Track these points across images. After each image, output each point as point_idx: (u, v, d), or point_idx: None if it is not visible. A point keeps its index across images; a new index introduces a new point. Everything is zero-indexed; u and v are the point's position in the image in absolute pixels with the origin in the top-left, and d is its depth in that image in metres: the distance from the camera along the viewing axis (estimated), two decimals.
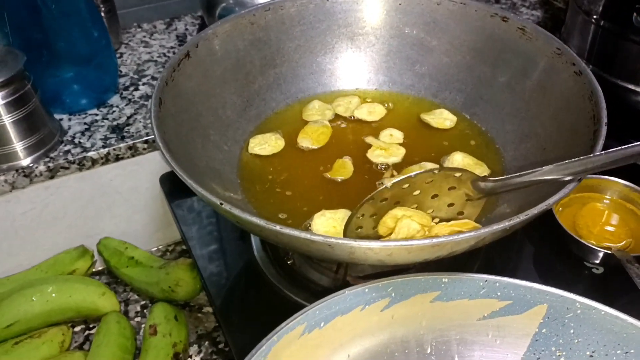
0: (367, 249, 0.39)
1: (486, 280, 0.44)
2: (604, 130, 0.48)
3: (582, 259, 0.61)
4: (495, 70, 0.63)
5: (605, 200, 0.64)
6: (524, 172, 0.47)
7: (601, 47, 0.72)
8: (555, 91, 0.57)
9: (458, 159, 0.58)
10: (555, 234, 0.62)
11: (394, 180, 0.47)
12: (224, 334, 0.60)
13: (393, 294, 0.44)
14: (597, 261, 0.60)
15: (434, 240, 0.39)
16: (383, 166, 0.60)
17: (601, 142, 0.47)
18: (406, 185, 0.47)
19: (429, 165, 0.58)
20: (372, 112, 0.66)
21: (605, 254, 0.58)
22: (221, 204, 0.41)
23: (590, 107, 0.51)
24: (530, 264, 0.64)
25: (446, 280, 0.44)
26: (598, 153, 0.44)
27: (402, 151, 0.61)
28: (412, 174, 0.47)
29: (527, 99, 0.60)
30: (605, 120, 0.49)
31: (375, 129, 0.65)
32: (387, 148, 0.61)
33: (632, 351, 0.42)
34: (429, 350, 0.45)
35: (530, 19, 0.95)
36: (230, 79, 0.63)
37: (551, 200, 0.42)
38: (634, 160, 0.41)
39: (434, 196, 0.49)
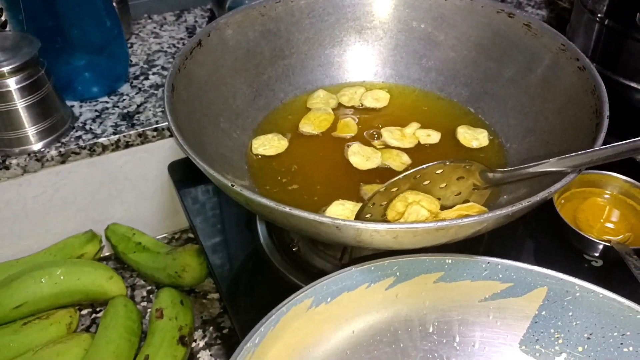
0: (374, 230, 0.40)
1: (488, 262, 0.46)
2: (605, 123, 0.49)
3: (582, 252, 0.62)
4: (501, 66, 0.64)
5: (605, 195, 0.66)
6: (530, 164, 0.48)
7: (605, 45, 0.73)
8: (559, 86, 0.58)
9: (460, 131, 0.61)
10: (556, 226, 0.64)
11: (407, 173, 0.48)
12: (230, 316, 0.61)
13: (398, 273, 0.45)
14: (597, 254, 0.61)
15: (439, 223, 0.40)
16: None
17: (602, 135, 0.48)
18: (418, 176, 0.49)
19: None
20: (378, 99, 0.68)
21: (605, 247, 0.60)
22: (232, 185, 0.43)
23: (593, 101, 0.52)
24: (531, 256, 0.65)
25: (450, 261, 0.45)
26: (601, 147, 0.46)
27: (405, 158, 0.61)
28: (425, 165, 0.48)
29: (532, 94, 0.61)
30: (607, 113, 0.50)
31: (380, 117, 0.66)
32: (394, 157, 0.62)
33: (628, 333, 0.43)
34: (431, 330, 0.46)
35: (536, 18, 0.96)
36: (241, 69, 0.64)
37: (552, 189, 0.43)
38: (634, 155, 0.43)
39: (443, 186, 0.50)
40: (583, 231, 0.62)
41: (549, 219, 0.63)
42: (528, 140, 0.59)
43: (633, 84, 0.72)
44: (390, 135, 0.62)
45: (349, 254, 0.55)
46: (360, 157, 0.60)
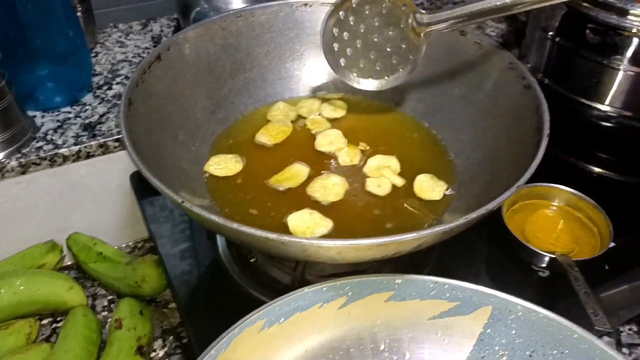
0: (318, 246, 0.42)
1: (436, 282, 0.47)
2: (544, 142, 0.51)
3: (530, 263, 0.65)
4: (453, 82, 0.67)
5: (552, 207, 0.68)
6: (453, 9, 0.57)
7: (557, 62, 0.76)
8: (506, 104, 0.60)
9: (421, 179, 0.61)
10: (505, 238, 0.66)
11: None
12: (187, 328, 0.62)
13: (350, 293, 0.47)
14: (544, 265, 0.64)
15: (379, 240, 0.41)
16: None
17: (540, 153, 0.50)
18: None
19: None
20: (336, 109, 0.70)
21: (550, 259, 0.62)
22: (182, 201, 0.44)
23: (536, 119, 0.54)
24: (482, 266, 0.67)
25: (399, 281, 0.47)
26: None
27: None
28: None
29: (481, 110, 0.63)
30: (547, 132, 0.52)
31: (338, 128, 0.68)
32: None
33: (566, 351, 0.44)
34: (382, 347, 0.48)
35: (495, 32, 0.99)
36: (201, 82, 0.65)
37: (490, 206, 0.45)
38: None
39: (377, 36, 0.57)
40: (531, 243, 0.64)
41: (498, 230, 0.66)
42: (476, 156, 0.61)
43: (583, 100, 0.74)
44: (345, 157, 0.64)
45: (302, 265, 0.57)
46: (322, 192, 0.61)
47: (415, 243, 0.43)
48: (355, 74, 0.64)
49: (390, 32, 0.61)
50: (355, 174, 0.62)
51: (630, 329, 0.66)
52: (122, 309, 0.67)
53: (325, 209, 0.57)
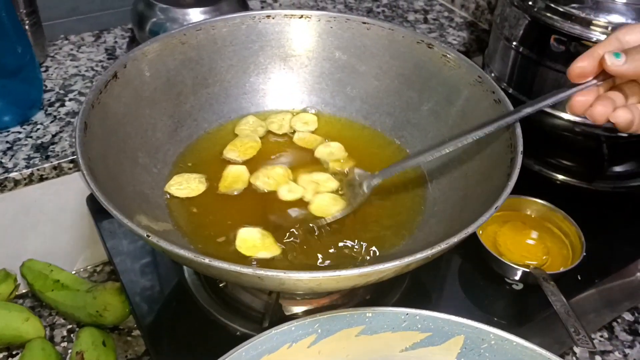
0: (297, 280, 0.40)
1: (407, 314, 0.46)
2: (519, 159, 0.50)
3: (503, 276, 0.64)
4: (422, 96, 0.66)
5: (524, 219, 0.68)
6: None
7: (520, 71, 0.76)
8: (476, 118, 0.59)
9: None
10: (478, 251, 0.65)
11: None
12: (153, 358, 0.59)
13: (319, 330, 0.45)
14: (517, 278, 0.63)
15: (362, 270, 0.40)
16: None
17: (517, 171, 0.49)
18: None
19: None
20: (307, 123, 0.68)
21: (523, 272, 0.62)
22: (148, 236, 0.41)
23: (508, 135, 0.54)
24: (455, 280, 0.66)
25: (370, 314, 0.46)
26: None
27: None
28: None
29: (451, 125, 0.62)
30: (521, 149, 0.51)
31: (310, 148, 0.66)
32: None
33: None
34: None
35: (457, 40, 0.99)
36: (161, 100, 0.62)
37: (469, 229, 0.44)
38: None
39: None
40: (503, 255, 0.64)
41: (471, 243, 0.65)
42: (449, 171, 0.60)
43: (549, 110, 0.75)
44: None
45: (277, 292, 0.54)
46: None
47: (396, 270, 0.42)
48: None
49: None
50: None
51: (601, 336, 0.66)
52: (83, 341, 0.64)
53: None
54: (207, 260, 0.39)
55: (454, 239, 0.43)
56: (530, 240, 0.66)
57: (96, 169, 0.48)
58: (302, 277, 0.40)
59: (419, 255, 0.41)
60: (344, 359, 0.46)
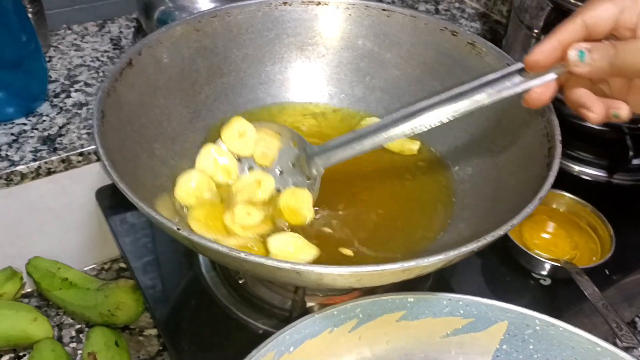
0: (337, 275, 0.37)
1: (449, 299, 0.45)
2: (558, 147, 0.48)
3: (531, 271, 0.62)
4: (445, 85, 0.63)
5: (550, 213, 0.66)
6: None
7: None
8: (505, 108, 0.57)
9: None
10: (504, 246, 0.64)
11: None
12: (171, 357, 0.57)
13: (360, 315, 0.44)
14: (545, 273, 0.62)
15: (405, 264, 0.38)
16: None
17: (557, 160, 0.47)
18: None
19: None
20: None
21: (553, 266, 0.60)
22: (178, 229, 0.39)
23: (543, 123, 0.52)
24: (479, 276, 0.65)
25: (412, 299, 0.45)
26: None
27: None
28: None
29: (477, 114, 0.60)
30: (559, 137, 0.49)
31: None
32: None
33: None
34: None
35: (469, 31, 0.96)
36: (176, 89, 0.60)
37: (515, 221, 0.42)
38: None
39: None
40: (529, 249, 0.62)
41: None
42: (476, 163, 0.58)
43: None
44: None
45: (303, 288, 0.52)
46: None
47: (440, 264, 0.40)
48: None
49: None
50: None
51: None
52: (95, 341, 0.61)
53: None
54: (242, 255, 0.37)
55: (499, 232, 0.41)
56: (557, 235, 0.64)
57: (115, 162, 0.46)
58: (342, 272, 0.37)
59: (464, 249, 0.39)
60: (384, 345, 0.45)
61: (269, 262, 0.37)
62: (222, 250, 0.37)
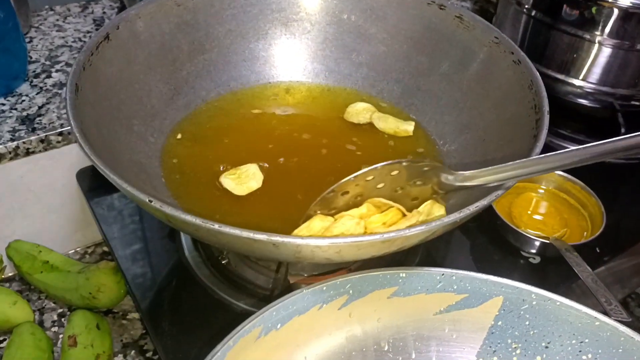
0: (315, 246, 0.36)
1: (443, 274, 0.44)
2: (546, 119, 0.47)
3: (519, 249, 0.61)
4: (433, 60, 0.62)
5: (540, 190, 0.65)
6: (493, 167, 0.43)
7: (532, 37, 0.73)
8: (493, 81, 0.56)
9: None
10: (492, 224, 0.62)
11: (357, 173, 0.43)
12: (153, 341, 0.55)
13: (351, 291, 0.43)
14: (534, 250, 0.60)
15: (385, 235, 0.36)
16: None
17: (544, 132, 0.46)
18: (370, 178, 0.44)
19: None
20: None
21: (542, 244, 0.59)
22: (150, 201, 0.37)
23: (531, 96, 0.51)
24: (467, 256, 0.63)
25: (404, 275, 0.43)
26: (578, 147, 0.41)
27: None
28: (377, 165, 0.43)
29: (465, 89, 0.59)
30: (547, 108, 0.48)
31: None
32: None
33: (586, 340, 0.42)
34: (386, 348, 0.44)
35: None
36: (156, 65, 0.58)
37: (499, 191, 0.40)
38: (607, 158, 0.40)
39: (399, 191, 0.46)
40: (518, 227, 0.61)
41: (485, 216, 0.62)
42: (464, 138, 0.57)
43: (560, 76, 0.72)
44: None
45: (286, 266, 0.51)
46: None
47: (422, 236, 0.38)
48: None
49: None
50: None
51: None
52: (76, 324, 0.60)
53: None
54: (216, 226, 0.36)
55: (484, 202, 0.40)
56: (546, 212, 0.63)
57: (90, 135, 0.44)
58: (321, 243, 0.36)
59: (447, 220, 0.38)
60: (376, 323, 0.44)
61: (244, 234, 0.36)
62: (195, 222, 0.36)
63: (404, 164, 0.44)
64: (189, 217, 0.36)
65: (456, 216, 0.38)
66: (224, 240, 0.38)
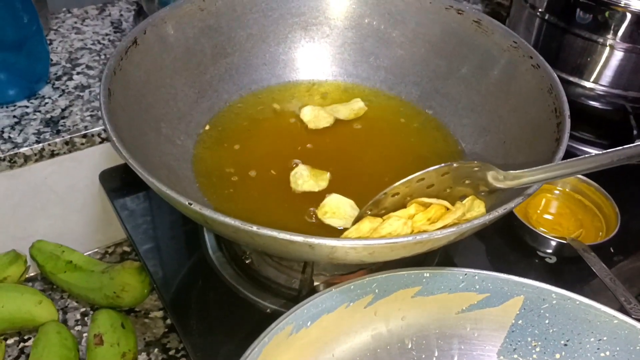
0: (350, 248, 0.37)
1: (465, 274, 0.45)
2: (567, 122, 0.48)
3: (536, 249, 0.62)
4: (451, 64, 0.63)
5: (555, 192, 0.66)
6: (541, 167, 0.43)
7: (546, 40, 0.74)
8: (512, 85, 0.58)
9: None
10: (509, 226, 0.64)
11: (409, 177, 0.44)
12: (182, 339, 0.57)
13: (377, 290, 0.44)
14: (550, 251, 0.62)
15: (417, 237, 0.38)
16: None
17: (566, 135, 0.47)
18: (421, 180, 0.44)
19: None
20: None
21: (559, 244, 0.60)
22: (190, 204, 0.38)
23: (551, 100, 0.52)
24: (484, 256, 0.65)
25: (428, 275, 0.44)
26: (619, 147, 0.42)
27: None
28: (431, 168, 0.44)
29: (484, 92, 0.60)
30: (567, 112, 0.49)
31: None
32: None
33: (604, 338, 0.43)
34: (410, 346, 0.45)
35: None
36: (181, 69, 0.59)
37: (530, 191, 0.42)
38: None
39: (448, 191, 0.46)
40: (534, 228, 0.62)
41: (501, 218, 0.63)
42: (483, 140, 0.58)
43: (573, 79, 0.73)
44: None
45: (311, 267, 0.52)
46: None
47: (452, 237, 0.40)
48: None
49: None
50: None
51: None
52: (101, 323, 0.61)
53: None
54: (254, 229, 0.37)
55: (511, 204, 0.41)
56: (562, 214, 0.64)
57: (124, 139, 0.45)
58: (355, 244, 0.37)
59: (476, 222, 0.39)
60: (400, 321, 0.45)
61: (281, 236, 0.37)
62: (234, 224, 0.37)
63: (455, 165, 0.45)
64: (228, 220, 0.37)
65: (486, 218, 0.39)
66: (260, 242, 0.39)
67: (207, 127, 0.60)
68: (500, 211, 0.40)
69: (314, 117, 0.62)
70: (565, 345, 0.44)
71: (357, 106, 0.63)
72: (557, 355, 0.44)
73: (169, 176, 0.51)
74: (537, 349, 0.45)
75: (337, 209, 0.51)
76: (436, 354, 0.46)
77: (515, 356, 0.45)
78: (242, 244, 0.58)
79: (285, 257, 0.54)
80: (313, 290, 0.54)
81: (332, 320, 0.43)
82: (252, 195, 0.54)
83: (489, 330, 0.45)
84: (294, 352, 0.41)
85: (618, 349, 0.43)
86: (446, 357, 0.45)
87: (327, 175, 0.56)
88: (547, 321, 0.45)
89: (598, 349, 0.43)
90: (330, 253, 0.38)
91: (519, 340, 0.45)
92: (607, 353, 0.43)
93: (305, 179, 0.54)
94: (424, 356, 0.45)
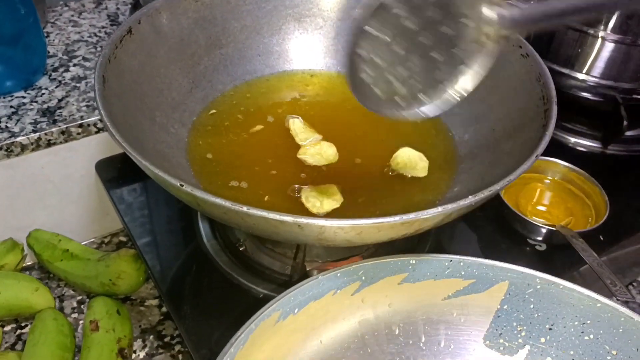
0: (338, 227, 0.38)
1: (451, 260, 0.45)
2: (555, 109, 0.49)
3: (526, 237, 0.63)
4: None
5: (546, 181, 0.67)
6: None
7: (538, 32, 0.75)
8: (501, 74, 0.58)
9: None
10: (500, 213, 0.64)
11: None
12: (177, 324, 0.57)
13: (363, 277, 0.44)
14: (540, 238, 0.63)
15: (404, 217, 0.38)
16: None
17: (553, 121, 0.48)
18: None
19: None
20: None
21: (549, 231, 0.61)
22: (181, 185, 0.39)
23: (539, 88, 0.53)
24: (475, 244, 0.65)
25: (414, 261, 0.45)
26: None
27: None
28: None
29: None
30: (555, 99, 0.50)
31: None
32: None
33: (588, 322, 0.44)
34: (397, 332, 0.46)
35: None
36: (175, 59, 0.60)
37: (512, 176, 0.43)
38: None
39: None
40: (525, 216, 0.63)
41: (492, 205, 0.64)
42: (474, 129, 0.59)
43: (564, 70, 0.74)
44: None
45: (303, 252, 0.53)
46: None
47: (439, 218, 0.41)
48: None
49: (442, 32, 0.38)
50: None
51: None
52: (97, 310, 0.61)
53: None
54: (245, 209, 0.38)
55: (497, 187, 0.42)
56: (552, 202, 0.65)
57: (118, 124, 0.46)
58: (343, 224, 0.38)
59: (462, 203, 0.40)
60: (387, 308, 0.46)
61: (271, 216, 0.38)
62: (225, 204, 0.38)
63: None
64: (219, 200, 0.38)
65: (471, 199, 0.40)
66: (250, 223, 0.40)
67: (201, 116, 0.61)
68: (485, 193, 0.41)
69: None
70: (550, 329, 0.45)
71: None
72: (542, 339, 0.45)
73: (162, 163, 0.52)
74: (523, 334, 0.45)
75: (409, 160, 0.56)
76: (423, 340, 0.46)
77: (501, 341, 0.46)
78: (234, 227, 0.59)
79: (276, 239, 0.55)
80: (305, 276, 0.55)
81: (319, 307, 0.43)
82: (249, 184, 0.55)
83: (475, 315, 0.46)
84: (281, 338, 0.42)
85: (602, 331, 0.44)
86: (433, 342, 0.46)
87: (335, 188, 0.55)
88: (532, 306, 0.45)
89: (582, 332, 0.44)
90: (319, 233, 0.39)
91: (504, 325, 0.46)
92: (591, 336, 0.43)
93: (317, 199, 0.54)
94: (411, 342, 0.46)
